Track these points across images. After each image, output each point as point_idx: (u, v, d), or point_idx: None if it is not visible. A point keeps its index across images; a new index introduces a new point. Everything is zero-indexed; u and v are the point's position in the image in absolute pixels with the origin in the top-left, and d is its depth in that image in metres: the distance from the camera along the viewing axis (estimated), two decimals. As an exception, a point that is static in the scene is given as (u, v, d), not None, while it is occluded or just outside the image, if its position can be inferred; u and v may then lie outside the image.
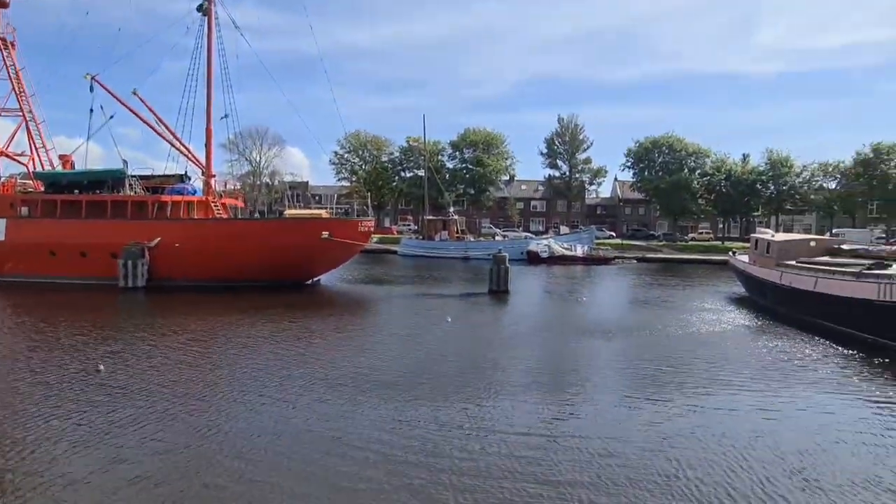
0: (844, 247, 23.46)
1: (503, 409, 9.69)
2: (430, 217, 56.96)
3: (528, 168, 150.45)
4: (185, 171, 29.70)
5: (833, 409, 10.17)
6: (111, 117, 29.72)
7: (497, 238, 57.02)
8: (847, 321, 17.02)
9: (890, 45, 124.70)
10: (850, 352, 14.64)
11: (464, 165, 73.76)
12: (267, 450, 7.83)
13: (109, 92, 29.20)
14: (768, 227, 63.17)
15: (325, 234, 25.75)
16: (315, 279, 28.59)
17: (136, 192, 27.36)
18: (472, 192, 73.26)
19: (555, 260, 45.35)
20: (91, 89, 28.83)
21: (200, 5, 29.04)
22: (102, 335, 15.28)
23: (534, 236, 57.21)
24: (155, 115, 29.77)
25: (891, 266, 18.04)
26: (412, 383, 11.00)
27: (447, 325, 17.72)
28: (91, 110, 29.17)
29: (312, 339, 15.60)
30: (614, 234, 72.57)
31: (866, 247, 23.93)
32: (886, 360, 13.62)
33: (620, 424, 9.00)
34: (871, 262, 19.22)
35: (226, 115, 29.12)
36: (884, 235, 58.56)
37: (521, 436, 8.43)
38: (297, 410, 9.42)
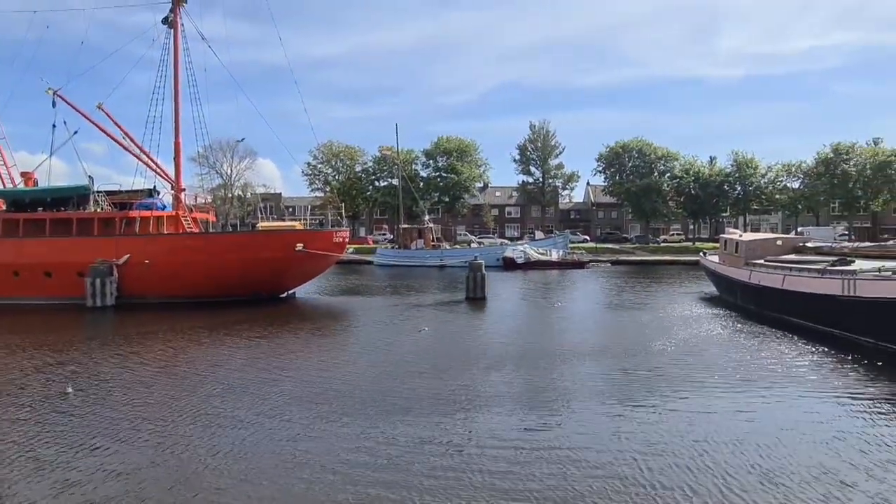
0: (809, 245, 24.11)
1: (477, 420, 9.62)
2: (406, 226, 56.82)
3: (502, 175, 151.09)
4: (154, 186, 29.15)
5: (799, 404, 10.38)
6: (75, 132, 29.21)
7: (473, 245, 57.25)
8: (813, 317, 17.49)
9: (845, 47, 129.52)
10: (816, 347, 15.01)
11: (438, 174, 73.95)
12: (231, 471, 7.65)
13: (73, 106, 28.64)
14: (736, 228, 64.71)
15: (300, 246, 25.47)
16: (290, 292, 28.27)
17: (102, 209, 26.70)
18: (447, 199, 73.47)
19: (531, 265, 45.72)
20: (53, 104, 28.31)
21: (166, 17, 28.61)
22: (69, 357, 14.83)
23: (509, 242, 57.55)
24: (121, 129, 29.27)
25: (853, 262, 18.61)
26: (384, 399, 10.84)
27: (422, 336, 17.66)
28: (54, 126, 28.65)
29: (284, 355, 15.38)
30: (588, 238, 73.39)
31: (830, 244, 24.62)
32: (849, 355, 13.97)
33: (595, 433, 8.99)
34: (834, 258, 19.76)
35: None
36: (846, 233, 60.38)
37: (496, 447, 8.34)
38: (265, 430, 9.22)
